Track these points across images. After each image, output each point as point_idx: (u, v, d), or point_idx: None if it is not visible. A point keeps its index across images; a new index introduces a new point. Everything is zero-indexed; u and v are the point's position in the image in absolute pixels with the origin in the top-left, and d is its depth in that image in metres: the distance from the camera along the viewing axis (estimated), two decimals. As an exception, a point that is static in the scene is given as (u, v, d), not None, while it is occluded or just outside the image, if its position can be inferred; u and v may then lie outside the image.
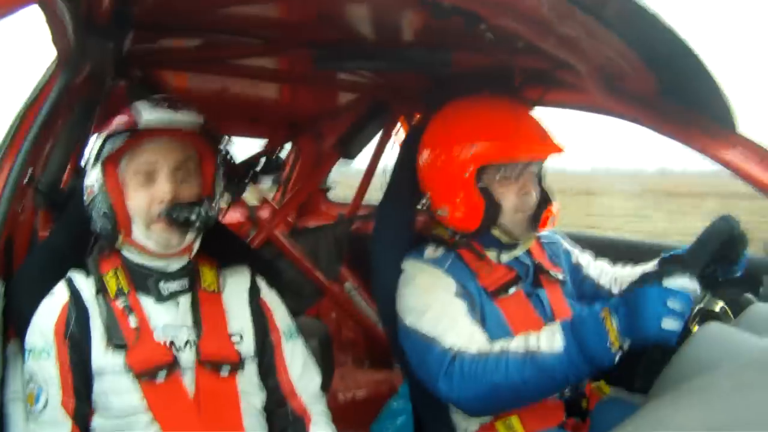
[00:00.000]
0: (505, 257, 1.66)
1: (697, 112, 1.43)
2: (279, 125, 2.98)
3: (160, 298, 1.41)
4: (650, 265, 1.71)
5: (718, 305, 1.50)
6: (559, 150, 1.58)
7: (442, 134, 1.63)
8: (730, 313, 1.48)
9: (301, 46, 1.73)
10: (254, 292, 1.54)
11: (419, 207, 1.72)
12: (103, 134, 1.36)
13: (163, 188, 1.35)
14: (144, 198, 1.36)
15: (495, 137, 1.54)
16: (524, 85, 1.85)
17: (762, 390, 0.78)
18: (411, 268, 1.64)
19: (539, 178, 1.66)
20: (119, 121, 1.36)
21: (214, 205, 1.43)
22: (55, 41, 1.38)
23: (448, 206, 1.61)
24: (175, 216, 1.35)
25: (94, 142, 1.40)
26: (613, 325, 1.29)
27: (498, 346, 1.42)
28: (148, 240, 1.38)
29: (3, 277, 1.45)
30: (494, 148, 1.53)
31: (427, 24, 1.58)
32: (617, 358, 1.30)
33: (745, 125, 1.43)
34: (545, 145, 1.58)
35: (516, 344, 1.40)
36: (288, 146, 3.32)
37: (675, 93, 1.39)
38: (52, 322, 1.35)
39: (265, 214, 3.07)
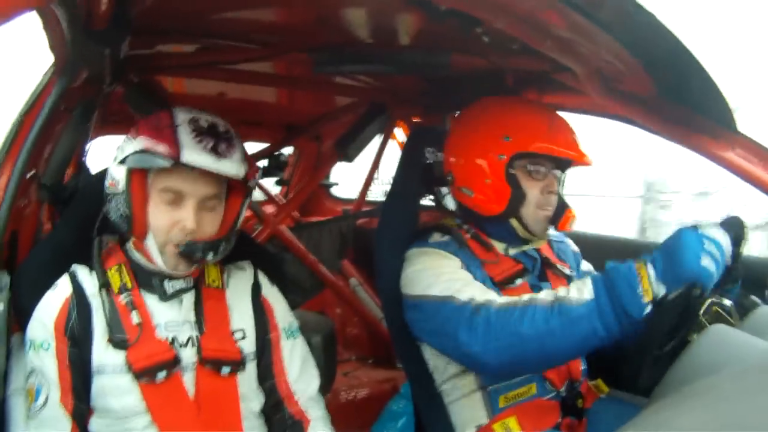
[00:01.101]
0: (513, 251, 1.66)
1: (695, 112, 1.43)
2: (278, 128, 2.99)
3: (165, 296, 1.40)
4: None
5: (728, 302, 1.49)
6: (590, 161, 1.61)
7: (482, 122, 1.65)
8: (736, 313, 1.47)
9: (299, 51, 1.73)
10: (256, 289, 1.54)
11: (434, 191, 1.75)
12: (139, 142, 1.33)
13: (187, 219, 1.33)
14: (166, 219, 1.34)
15: (535, 128, 1.57)
16: (521, 87, 1.86)
17: (766, 393, 0.78)
18: (415, 252, 1.64)
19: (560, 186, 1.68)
20: (161, 139, 1.31)
21: (231, 239, 1.43)
22: (53, 46, 1.38)
23: (474, 188, 1.62)
24: (191, 254, 1.35)
25: (125, 142, 1.37)
26: (647, 273, 1.23)
27: (525, 297, 1.37)
28: (158, 258, 1.36)
29: (8, 271, 1.46)
30: (534, 137, 1.56)
31: (424, 27, 1.58)
32: (648, 310, 1.23)
33: (746, 125, 1.43)
34: (579, 151, 1.60)
35: (544, 294, 1.35)
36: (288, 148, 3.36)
37: (672, 94, 1.39)
38: (52, 316, 1.35)
39: (270, 209, 3.08)
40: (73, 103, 1.63)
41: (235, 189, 1.43)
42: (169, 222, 1.34)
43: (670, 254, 1.23)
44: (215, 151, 1.32)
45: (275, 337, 1.52)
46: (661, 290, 1.22)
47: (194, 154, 1.30)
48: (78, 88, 1.56)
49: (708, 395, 0.83)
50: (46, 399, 1.30)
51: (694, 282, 1.21)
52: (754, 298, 1.61)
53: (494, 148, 1.58)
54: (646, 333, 1.24)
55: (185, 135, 1.32)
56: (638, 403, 1.48)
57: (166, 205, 1.34)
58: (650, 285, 1.22)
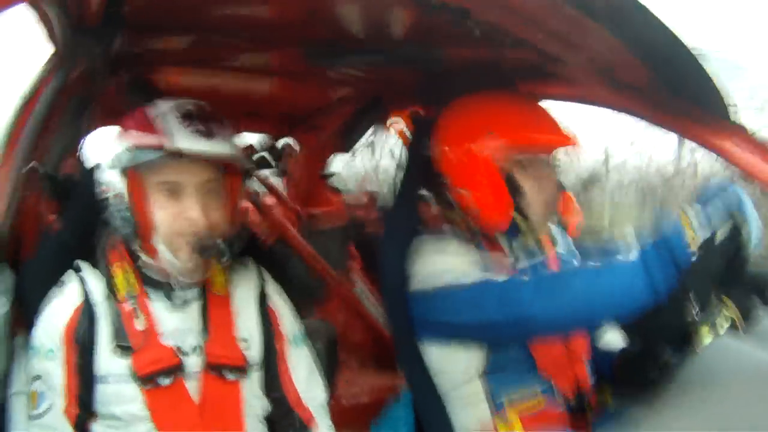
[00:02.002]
0: (516, 245, 1.65)
1: (690, 102, 1.43)
2: (275, 119, 2.98)
3: (174, 305, 1.39)
4: None
5: (732, 311, 1.48)
6: (572, 141, 1.60)
7: (464, 115, 1.65)
8: (740, 323, 1.47)
9: (292, 44, 1.72)
10: (263, 297, 1.52)
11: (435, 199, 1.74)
12: (126, 142, 1.32)
13: (191, 208, 1.31)
14: (169, 213, 1.32)
15: (520, 125, 1.57)
16: (516, 78, 1.85)
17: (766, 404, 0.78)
18: (424, 242, 1.64)
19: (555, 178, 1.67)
20: (145, 137, 1.30)
21: (243, 235, 1.43)
22: (49, 38, 1.38)
23: (471, 189, 1.61)
24: (198, 244, 1.33)
25: (114, 144, 1.36)
26: (689, 219, 1.25)
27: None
28: (172, 259, 1.34)
29: (12, 267, 1.45)
30: (521, 132, 1.56)
31: (417, 20, 1.57)
32: (694, 259, 1.23)
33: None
34: (566, 135, 1.60)
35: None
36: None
37: (668, 84, 1.39)
38: (62, 324, 1.33)
39: (269, 201, 3.07)
40: (69, 98, 1.63)
41: (229, 170, 1.41)
42: (172, 215, 1.32)
43: (711, 198, 1.25)
44: (205, 133, 1.29)
45: (281, 346, 1.50)
46: (707, 232, 1.22)
47: (184, 140, 1.27)
48: (73, 83, 1.56)
49: (706, 403, 0.83)
50: (50, 407, 1.30)
51: (737, 223, 1.23)
52: (755, 299, 1.61)
53: (485, 150, 1.56)
54: (696, 279, 1.24)
55: (171, 122, 1.30)
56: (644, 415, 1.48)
57: (166, 199, 1.32)
58: (695, 231, 1.23)
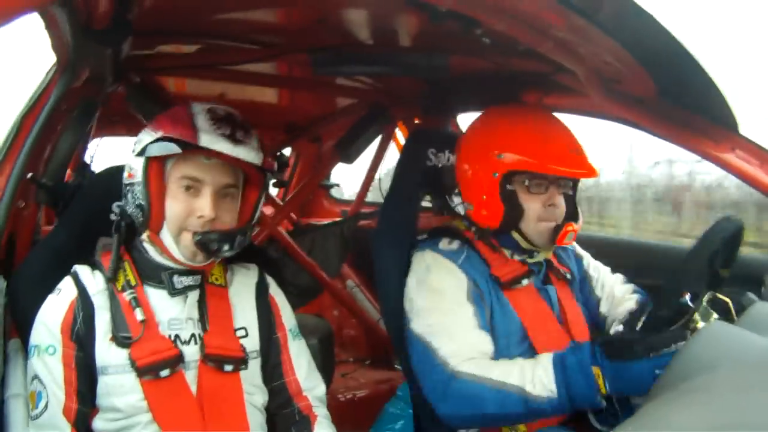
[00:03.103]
0: (518, 257, 1.66)
1: (696, 113, 1.43)
2: (278, 129, 2.99)
3: (174, 291, 1.40)
4: (634, 304, 1.73)
5: (725, 298, 1.49)
6: (590, 173, 1.58)
7: (480, 136, 1.65)
8: (733, 312, 1.47)
9: (299, 51, 1.73)
10: (262, 288, 1.54)
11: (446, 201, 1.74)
12: (157, 132, 1.34)
13: (205, 207, 1.34)
14: (183, 207, 1.34)
15: (526, 146, 1.56)
16: (522, 89, 1.86)
17: (764, 391, 0.78)
18: (423, 257, 1.65)
19: (572, 193, 1.67)
20: (178, 126, 1.33)
21: (249, 233, 1.44)
22: (54, 47, 1.39)
23: (473, 203, 1.63)
24: (208, 245, 1.35)
25: (143, 134, 1.37)
26: (604, 384, 1.37)
27: (497, 371, 1.46)
28: (175, 247, 1.37)
29: (5, 275, 1.45)
30: (525, 157, 1.55)
31: (424, 29, 1.58)
32: (603, 402, 1.39)
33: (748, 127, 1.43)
34: (576, 165, 1.58)
35: (514, 379, 1.44)
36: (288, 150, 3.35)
37: (673, 95, 1.39)
38: (58, 319, 1.33)
39: (268, 211, 3.08)
40: (74, 104, 1.63)
41: (251, 181, 1.43)
42: (186, 210, 1.34)
43: (624, 383, 1.35)
44: (233, 137, 1.33)
45: (283, 337, 1.52)
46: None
47: (212, 139, 1.31)
48: (79, 89, 1.56)
49: (706, 392, 0.83)
50: (46, 405, 1.30)
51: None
52: (750, 294, 1.61)
53: (488, 166, 1.58)
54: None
55: (203, 121, 1.34)
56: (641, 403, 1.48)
57: (184, 194, 1.34)
58: (605, 389, 1.37)
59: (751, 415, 0.71)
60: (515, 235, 1.62)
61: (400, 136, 2.82)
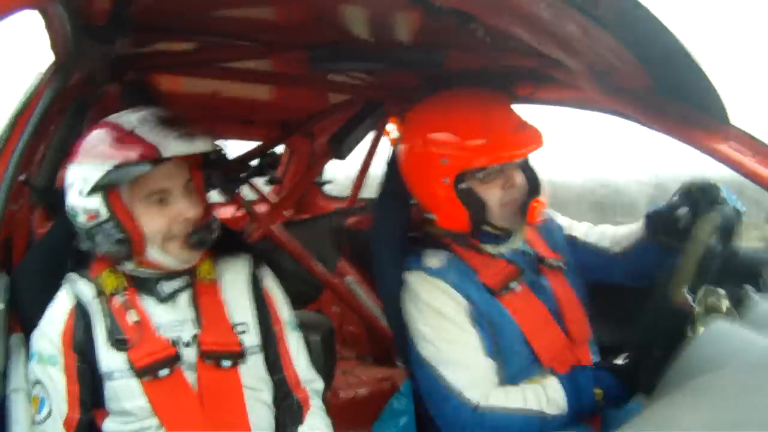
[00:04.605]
0: (504, 249, 1.65)
1: (690, 106, 1.44)
2: (271, 126, 2.98)
3: (162, 298, 1.41)
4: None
5: (724, 304, 1.49)
6: (537, 143, 1.55)
7: (417, 144, 1.61)
8: (732, 308, 1.49)
9: (295, 48, 1.73)
10: (256, 279, 1.54)
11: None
12: (105, 163, 1.30)
13: (186, 210, 1.36)
14: (162, 220, 1.35)
15: (468, 143, 1.53)
16: (516, 82, 1.86)
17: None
18: (414, 281, 1.61)
19: (526, 167, 1.64)
20: (131, 151, 1.29)
21: (214, 216, 1.47)
22: (53, 45, 1.38)
23: (433, 212, 1.62)
24: (197, 239, 1.38)
25: (85, 171, 1.32)
26: (602, 399, 1.48)
27: (516, 398, 1.49)
28: (165, 258, 1.37)
29: (7, 272, 1.46)
30: (469, 154, 1.52)
31: (420, 24, 1.59)
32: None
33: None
34: (524, 142, 1.55)
35: (532, 403, 1.47)
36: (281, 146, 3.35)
37: (668, 89, 1.40)
38: (59, 330, 1.35)
39: (262, 209, 3.08)
40: (67, 104, 1.62)
41: (196, 167, 1.45)
42: (167, 221, 1.35)
43: (620, 401, 1.46)
44: (187, 135, 1.33)
45: (279, 329, 1.52)
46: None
47: (174, 145, 1.30)
48: (72, 88, 1.56)
49: (710, 392, 0.83)
50: (49, 413, 1.31)
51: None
52: (748, 287, 1.63)
53: (436, 174, 1.55)
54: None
55: (149, 132, 1.32)
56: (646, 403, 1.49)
57: (157, 207, 1.35)
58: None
59: (756, 417, 0.72)
60: (487, 229, 1.61)
61: (393, 131, 2.82)
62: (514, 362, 1.56)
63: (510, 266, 1.62)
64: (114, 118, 1.39)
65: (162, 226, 1.34)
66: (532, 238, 1.72)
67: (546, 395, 1.47)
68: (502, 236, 1.64)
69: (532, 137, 1.56)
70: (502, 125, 1.56)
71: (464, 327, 1.54)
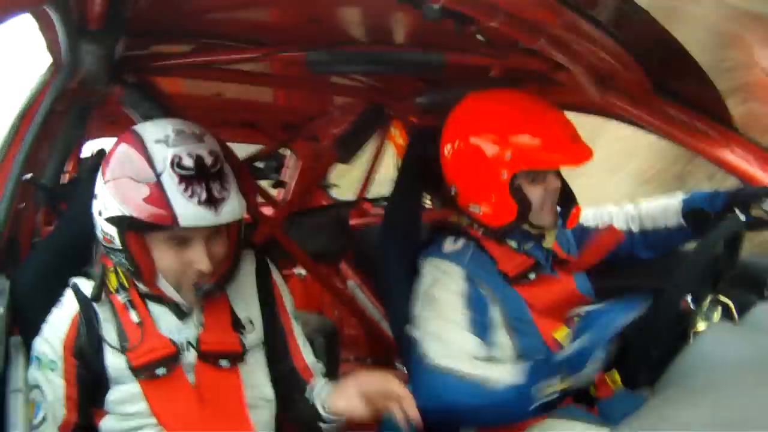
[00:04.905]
0: (529, 246, 1.66)
1: (692, 110, 1.43)
2: (274, 129, 2.99)
3: (181, 313, 1.39)
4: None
5: (728, 300, 1.49)
6: (589, 156, 1.58)
7: (471, 129, 1.62)
8: (735, 312, 1.47)
9: (294, 50, 1.73)
10: (263, 274, 1.52)
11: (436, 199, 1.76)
12: (124, 206, 1.25)
13: (201, 261, 1.30)
14: (177, 262, 1.31)
15: (534, 142, 1.55)
16: (517, 86, 1.85)
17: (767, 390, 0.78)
18: (431, 269, 1.63)
19: (558, 174, 1.68)
20: (150, 211, 1.23)
21: (239, 255, 1.44)
22: (49, 48, 1.39)
23: (480, 204, 1.62)
24: (204, 290, 1.35)
25: (107, 198, 1.28)
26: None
27: (468, 365, 1.47)
28: (174, 293, 1.35)
29: (6, 275, 1.45)
30: (535, 154, 1.55)
31: (419, 26, 1.58)
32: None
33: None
34: (581, 151, 1.58)
35: (480, 371, 1.45)
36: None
37: (668, 91, 1.39)
38: (61, 335, 1.33)
39: (268, 211, 3.08)
40: (69, 105, 1.63)
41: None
42: (181, 265, 1.31)
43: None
44: (211, 201, 1.25)
45: (287, 320, 1.52)
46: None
47: (191, 214, 1.23)
48: (74, 90, 1.56)
49: (710, 390, 0.83)
50: (44, 418, 1.31)
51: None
52: (752, 296, 1.62)
53: (496, 166, 1.56)
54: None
55: (173, 190, 1.23)
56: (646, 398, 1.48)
57: (174, 250, 1.30)
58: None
59: (755, 414, 0.71)
60: (524, 227, 1.62)
61: (397, 134, 2.82)
62: (527, 346, 1.57)
63: (529, 260, 1.65)
64: (145, 133, 1.30)
65: (175, 268, 1.31)
66: (549, 238, 1.74)
67: (501, 367, 1.47)
68: (536, 235, 1.66)
69: (586, 149, 1.59)
70: (563, 132, 1.59)
71: (455, 305, 1.55)
